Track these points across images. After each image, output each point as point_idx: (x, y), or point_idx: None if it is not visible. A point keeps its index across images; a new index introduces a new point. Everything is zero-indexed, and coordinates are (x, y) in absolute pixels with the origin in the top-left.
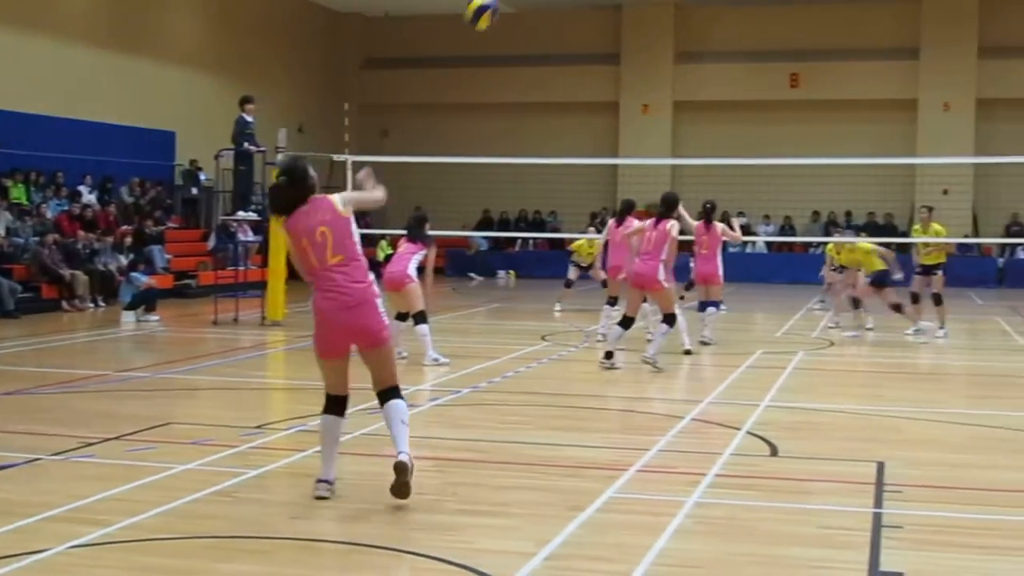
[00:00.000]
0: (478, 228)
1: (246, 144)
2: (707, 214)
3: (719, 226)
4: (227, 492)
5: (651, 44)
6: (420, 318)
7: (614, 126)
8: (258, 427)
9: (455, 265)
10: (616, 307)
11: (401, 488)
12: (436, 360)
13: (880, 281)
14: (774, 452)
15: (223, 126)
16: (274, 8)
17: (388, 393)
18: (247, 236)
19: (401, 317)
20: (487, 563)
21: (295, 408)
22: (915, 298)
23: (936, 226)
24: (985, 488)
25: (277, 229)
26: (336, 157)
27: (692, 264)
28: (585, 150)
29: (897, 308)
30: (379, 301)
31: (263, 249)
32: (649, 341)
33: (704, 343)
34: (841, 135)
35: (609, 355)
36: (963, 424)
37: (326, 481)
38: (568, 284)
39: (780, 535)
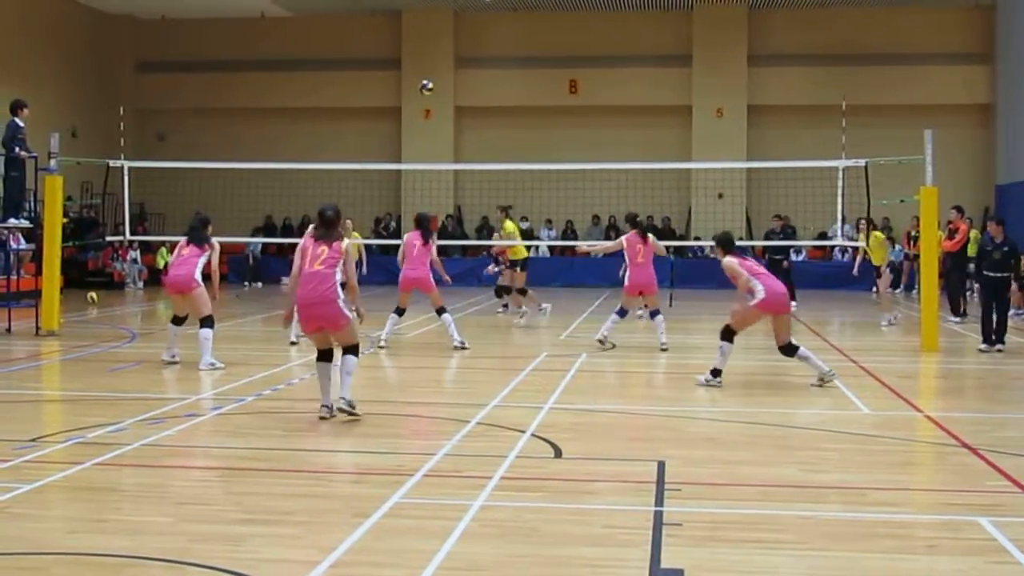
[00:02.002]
0: (260, 234)
1: (17, 149)
2: (642, 227)
3: (652, 238)
4: None
5: (431, 49)
6: (206, 322)
7: (396, 131)
8: (33, 440)
9: (236, 271)
10: (624, 318)
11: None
12: (212, 365)
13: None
14: (558, 454)
15: None
16: (36, 9)
17: (345, 351)
18: (19, 244)
19: (177, 321)
20: (270, 572)
21: (72, 420)
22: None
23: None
24: (760, 484)
25: (51, 237)
26: (112, 162)
27: (625, 274)
28: (369, 155)
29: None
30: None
31: (36, 257)
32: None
33: (663, 350)
34: (619, 140)
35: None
36: (738, 422)
37: (326, 406)
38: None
39: (564, 535)
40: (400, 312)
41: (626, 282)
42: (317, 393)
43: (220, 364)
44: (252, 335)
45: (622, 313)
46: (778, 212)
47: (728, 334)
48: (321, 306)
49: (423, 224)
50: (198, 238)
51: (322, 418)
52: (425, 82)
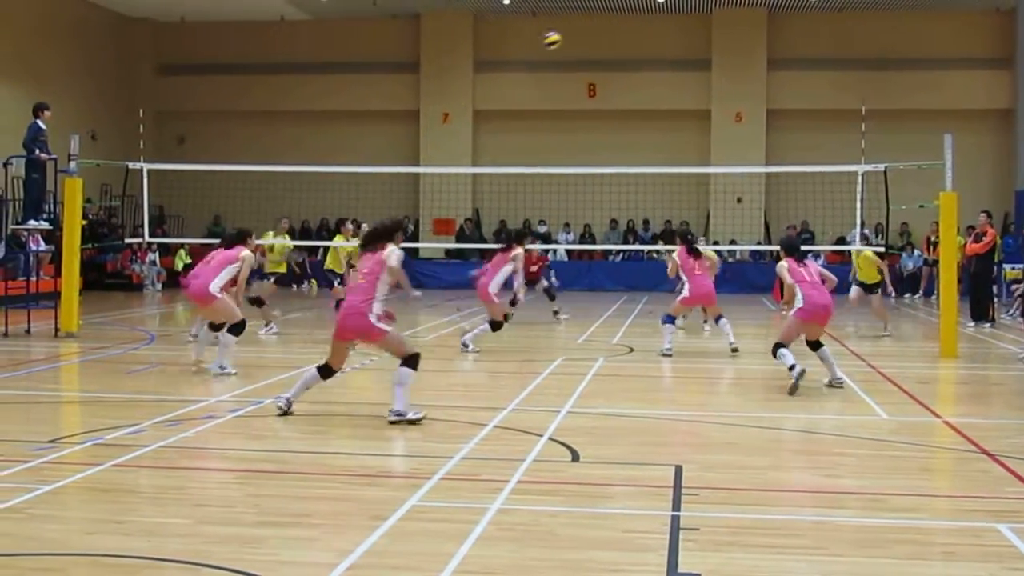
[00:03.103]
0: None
1: (38, 151)
2: (691, 242)
3: (705, 251)
4: (18, 509)
5: (450, 53)
6: (234, 328)
7: (415, 134)
8: (51, 441)
9: (254, 274)
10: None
11: None
12: (223, 369)
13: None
14: (575, 458)
15: (9, 133)
16: (57, 11)
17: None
18: (39, 246)
19: (214, 327)
20: (287, 575)
21: (90, 421)
22: None
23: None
24: (778, 489)
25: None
26: (131, 165)
27: (683, 287)
28: (387, 158)
29: None
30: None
31: (56, 259)
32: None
33: (734, 351)
34: (638, 144)
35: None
36: (756, 427)
37: (286, 397)
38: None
39: (581, 539)
40: None
41: (685, 293)
42: (333, 397)
43: (232, 371)
44: (269, 338)
45: (670, 319)
46: (792, 223)
47: (777, 349)
48: (351, 318)
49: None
50: (232, 245)
51: (279, 408)
52: (548, 33)
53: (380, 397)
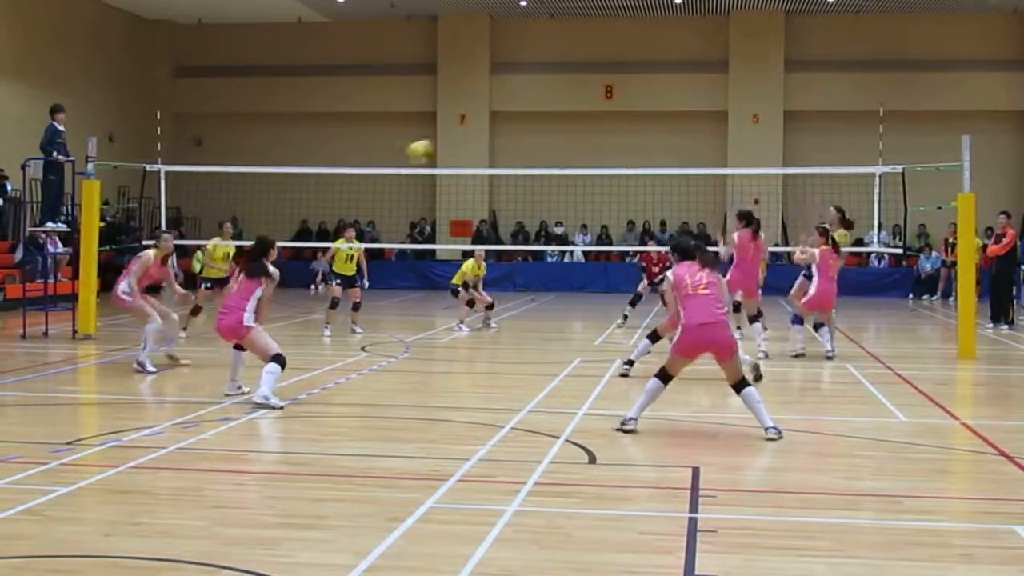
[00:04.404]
0: (296, 238)
1: (55, 153)
2: (756, 225)
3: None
4: (35, 511)
5: (467, 55)
6: (275, 359)
7: (432, 136)
8: (69, 443)
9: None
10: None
11: None
12: (266, 400)
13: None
14: (592, 460)
15: (26, 135)
16: (75, 13)
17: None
18: (56, 248)
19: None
20: None
21: (108, 423)
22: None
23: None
24: (796, 491)
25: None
26: (149, 166)
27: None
28: (404, 160)
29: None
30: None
31: (73, 261)
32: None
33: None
34: (655, 145)
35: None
36: None
37: (235, 382)
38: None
39: (598, 541)
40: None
41: (812, 292)
42: (350, 399)
43: (278, 404)
44: (285, 340)
45: (799, 320)
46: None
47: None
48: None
49: None
50: (254, 271)
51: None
52: (418, 143)
53: (397, 399)
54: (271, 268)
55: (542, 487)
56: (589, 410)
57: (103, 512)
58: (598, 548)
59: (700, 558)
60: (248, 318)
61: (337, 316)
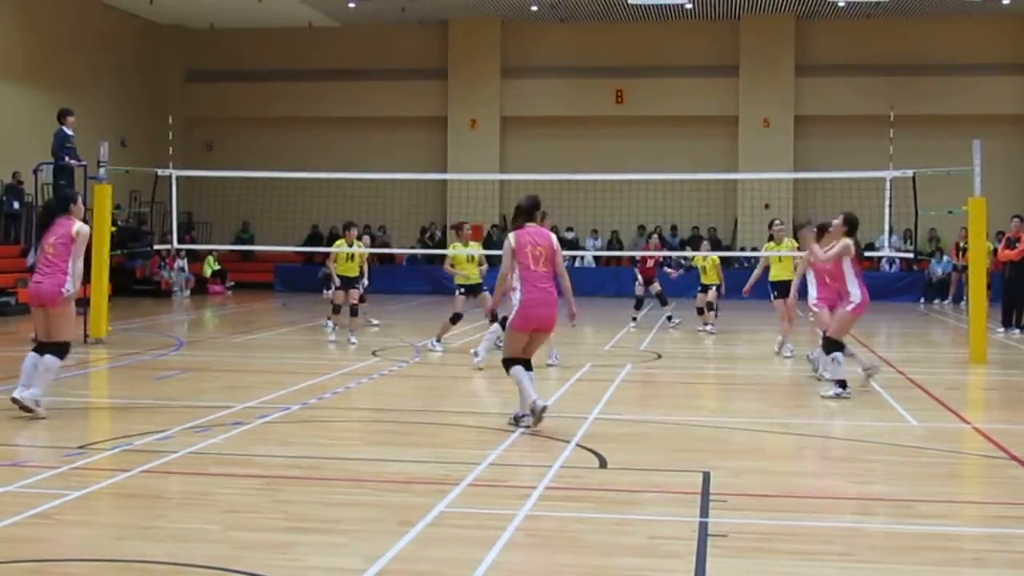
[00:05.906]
0: (307, 243)
1: (66, 158)
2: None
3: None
4: (48, 515)
5: (478, 59)
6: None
7: (442, 141)
8: (80, 447)
9: (283, 280)
10: None
11: None
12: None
13: None
14: (603, 464)
15: (38, 139)
16: (87, 18)
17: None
18: None
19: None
20: None
21: (119, 427)
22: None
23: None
24: (807, 495)
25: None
26: (160, 171)
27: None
28: (414, 165)
29: None
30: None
31: (85, 265)
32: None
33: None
34: (666, 150)
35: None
36: (784, 433)
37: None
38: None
39: (609, 546)
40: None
41: (856, 300)
42: (363, 403)
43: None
44: (298, 344)
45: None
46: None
47: (833, 345)
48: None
49: None
50: None
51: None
52: None
53: (408, 403)
54: None
55: (553, 491)
56: (600, 414)
57: (114, 516)
58: (609, 552)
59: (711, 562)
60: None
61: (342, 320)
